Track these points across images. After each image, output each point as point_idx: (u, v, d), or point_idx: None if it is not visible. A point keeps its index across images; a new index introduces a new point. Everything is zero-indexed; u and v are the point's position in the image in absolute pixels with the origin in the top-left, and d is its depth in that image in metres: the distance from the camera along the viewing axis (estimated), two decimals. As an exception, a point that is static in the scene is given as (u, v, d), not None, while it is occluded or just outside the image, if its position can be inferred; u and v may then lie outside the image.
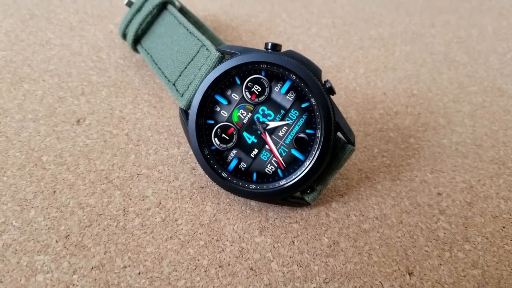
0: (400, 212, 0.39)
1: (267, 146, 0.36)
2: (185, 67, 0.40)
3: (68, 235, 0.34)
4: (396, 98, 0.51)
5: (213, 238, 0.35)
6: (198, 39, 0.40)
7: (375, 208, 0.39)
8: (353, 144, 0.36)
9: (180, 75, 0.40)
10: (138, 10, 0.47)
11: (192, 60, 0.40)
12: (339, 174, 0.42)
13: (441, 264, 0.35)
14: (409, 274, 0.34)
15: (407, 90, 0.52)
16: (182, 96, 0.39)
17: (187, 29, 0.42)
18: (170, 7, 0.46)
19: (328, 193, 0.40)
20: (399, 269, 0.35)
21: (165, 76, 0.42)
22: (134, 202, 0.37)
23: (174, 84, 0.41)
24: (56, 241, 0.34)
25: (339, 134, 0.37)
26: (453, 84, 0.54)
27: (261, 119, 0.36)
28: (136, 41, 0.47)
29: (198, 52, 0.39)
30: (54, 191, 0.37)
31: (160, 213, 0.37)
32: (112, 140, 0.42)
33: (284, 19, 0.63)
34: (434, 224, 0.38)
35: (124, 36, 0.49)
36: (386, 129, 0.47)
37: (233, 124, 0.37)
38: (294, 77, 0.35)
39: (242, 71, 0.36)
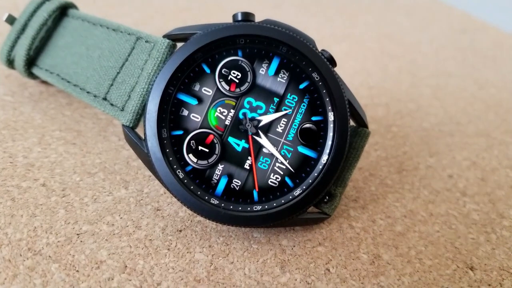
0: (425, 203, 0.34)
1: (264, 150, 0.29)
2: (118, 72, 0.31)
3: None
4: (357, 92, 0.48)
5: (221, 294, 0.26)
6: (129, 33, 0.32)
7: (397, 205, 0.34)
8: (367, 126, 0.31)
9: (112, 84, 0.31)
10: (25, 25, 0.37)
11: (127, 60, 0.31)
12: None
13: (494, 249, 0.31)
14: (471, 269, 0.29)
15: (363, 84, 0.51)
16: (122, 110, 0.30)
17: (107, 27, 0.33)
18: (72, 11, 0.37)
19: (339, 201, 0.34)
20: (458, 266, 0.29)
21: (88, 92, 0.32)
22: (86, 274, 0.26)
23: (105, 99, 0.31)
24: None
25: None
26: (403, 72, 0.54)
27: (250, 115, 0.29)
28: (30, 64, 0.37)
29: (133, 48, 0.31)
30: None
31: (130, 280, 0.26)
32: (24, 196, 0.30)
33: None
34: (463, 208, 0.35)
35: (10, 62, 0.38)
36: (365, 122, 0.43)
37: (211, 129, 0.28)
38: (284, 49, 0.28)
39: (211, 54, 0.28)
